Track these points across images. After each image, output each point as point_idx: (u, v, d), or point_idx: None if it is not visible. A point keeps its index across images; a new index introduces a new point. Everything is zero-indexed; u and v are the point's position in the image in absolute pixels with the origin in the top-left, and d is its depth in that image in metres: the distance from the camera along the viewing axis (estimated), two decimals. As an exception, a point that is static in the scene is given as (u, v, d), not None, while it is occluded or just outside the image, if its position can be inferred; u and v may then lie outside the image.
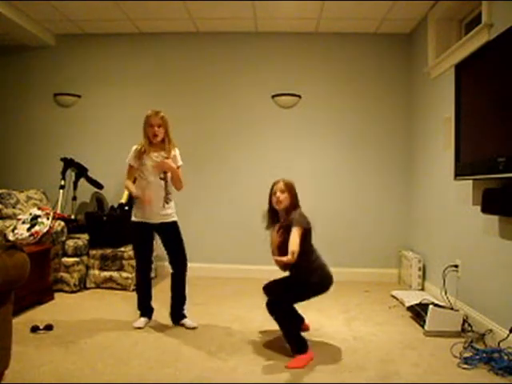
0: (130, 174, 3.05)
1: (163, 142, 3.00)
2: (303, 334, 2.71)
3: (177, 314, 3.07)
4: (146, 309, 3.06)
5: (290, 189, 2.70)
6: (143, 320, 3.01)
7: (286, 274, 2.78)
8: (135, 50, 4.81)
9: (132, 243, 3.25)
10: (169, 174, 2.98)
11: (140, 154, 2.97)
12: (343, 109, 4.67)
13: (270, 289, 2.76)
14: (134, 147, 3.03)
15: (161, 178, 2.97)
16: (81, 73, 4.85)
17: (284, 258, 2.41)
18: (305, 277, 2.62)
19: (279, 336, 2.84)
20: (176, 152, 3.05)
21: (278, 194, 2.66)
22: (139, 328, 2.93)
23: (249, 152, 4.73)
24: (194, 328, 2.99)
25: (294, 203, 2.68)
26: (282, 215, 2.70)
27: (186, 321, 3.05)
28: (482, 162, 2.70)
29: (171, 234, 3.04)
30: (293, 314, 2.71)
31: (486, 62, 2.73)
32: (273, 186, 2.73)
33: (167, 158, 2.96)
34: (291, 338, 2.56)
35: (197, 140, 4.74)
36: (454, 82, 3.12)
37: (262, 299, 3.62)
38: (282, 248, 2.63)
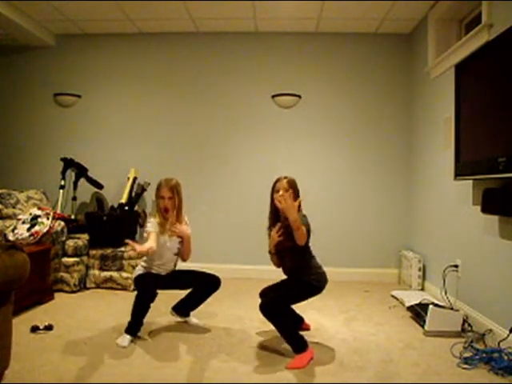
0: (152, 238, 2.83)
1: (178, 210, 2.95)
2: (303, 333, 2.71)
3: (184, 311, 3.10)
4: (137, 329, 2.82)
5: (293, 186, 2.64)
6: (129, 338, 2.73)
7: (282, 278, 2.78)
8: (135, 49, 4.81)
9: (139, 289, 2.84)
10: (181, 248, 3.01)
11: (159, 228, 2.89)
12: (343, 109, 4.67)
13: (267, 294, 2.75)
14: (153, 220, 2.91)
15: (175, 254, 3.00)
16: (81, 73, 4.85)
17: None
18: (302, 276, 2.60)
19: (279, 336, 2.85)
20: (187, 221, 3.07)
21: (282, 192, 2.60)
22: (123, 347, 2.65)
23: (249, 152, 4.73)
24: (197, 325, 3.06)
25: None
26: (284, 214, 2.64)
27: (190, 318, 3.11)
28: (481, 162, 2.70)
29: (181, 272, 3.05)
30: (290, 315, 2.69)
31: (486, 62, 2.73)
32: (275, 184, 2.67)
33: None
34: (290, 339, 2.54)
35: (196, 140, 4.74)
36: (454, 82, 3.12)
37: (262, 299, 3.62)
38: (279, 248, 2.62)
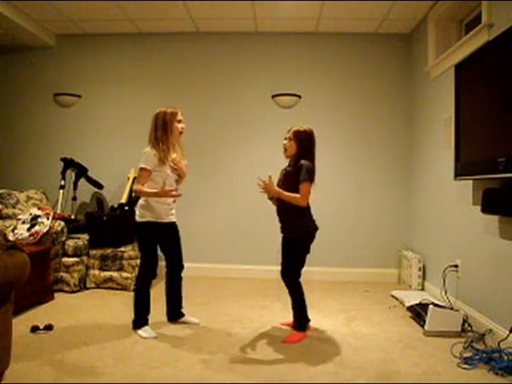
0: (143, 180, 2.79)
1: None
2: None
3: (177, 313, 3.09)
4: (147, 316, 2.91)
5: (297, 137, 2.55)
6: (148, 328, 2.85)
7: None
8: (135, 50, 4.81)
9: (141, 245, 2.92)
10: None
11: (161, 160, 2.80)
12: (343, 109, 4.67)
13: (282, 269, 2.75)
14: (152, 152, 2.79)
15: (176, 181, 2.98)
16: (81, 73, 4.85)
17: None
18: (288, 228, 2.66)
19: (279, 336, 2.85)
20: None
21: (285, 141, 2.58)
22: (154, 337, 2.78)
23: (248, 152, 4.73)
24: (196, 324, 3.05)
25: (301, 154, 2.58)
26: (291, 164, 2.65)
27: (187, 318, 3.09)
28: (481, 162, 2.70)
29: (176, 233, 3.04)
30: (302, 289, 2.74)
31: (486, 62, 2.73)
32: (288, 131, 2.63)
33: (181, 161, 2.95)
34: (298, 313, 2.64)
35: (196, 140, 4.74)
36: (454, 82, 3.12)
37: (262, 299, 3.63)
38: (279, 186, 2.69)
